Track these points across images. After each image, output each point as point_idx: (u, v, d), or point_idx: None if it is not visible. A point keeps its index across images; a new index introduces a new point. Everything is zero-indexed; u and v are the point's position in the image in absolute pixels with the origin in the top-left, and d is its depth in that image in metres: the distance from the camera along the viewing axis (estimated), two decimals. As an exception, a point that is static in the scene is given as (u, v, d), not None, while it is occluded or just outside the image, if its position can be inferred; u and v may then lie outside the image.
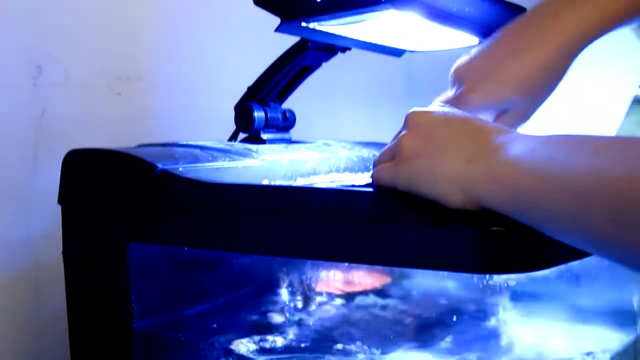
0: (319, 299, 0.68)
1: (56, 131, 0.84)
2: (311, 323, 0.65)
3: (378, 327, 0.64)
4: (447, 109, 0.47)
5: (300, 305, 0.68)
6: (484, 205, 0.40)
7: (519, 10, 0.73)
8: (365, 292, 0.68)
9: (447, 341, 0.60)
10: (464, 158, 0.41)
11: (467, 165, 0.41)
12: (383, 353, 0.59)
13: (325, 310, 0.67)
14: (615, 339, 0.63)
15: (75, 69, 0.87)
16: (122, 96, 0.92)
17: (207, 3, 1.02)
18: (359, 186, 0.57)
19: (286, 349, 0.61)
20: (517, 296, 0.65)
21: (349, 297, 0.68)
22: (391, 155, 0.47)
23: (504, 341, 0.61)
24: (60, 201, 0.65)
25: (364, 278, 0.70)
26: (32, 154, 0.83)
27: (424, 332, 0.63)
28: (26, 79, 0.83)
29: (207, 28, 1.02)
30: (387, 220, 0.45)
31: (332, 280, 0.69)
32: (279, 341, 0.62)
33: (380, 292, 0.68)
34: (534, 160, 0.38)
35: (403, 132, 0.46)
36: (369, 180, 0.51)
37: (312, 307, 0.68)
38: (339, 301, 0.68)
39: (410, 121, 0.46)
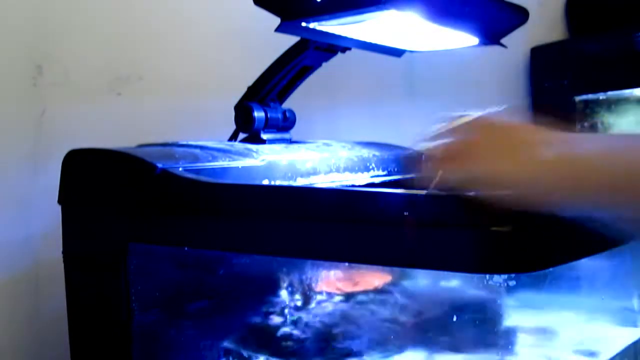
0: (319, 298, 0.68)
1: (56, 131, 0.84)
2: (311, 323, 0.65)
3: (378, 327, 0.64)
4: (510, 118, 0.50)
5: (300, 305, 0.68)
6: (535, 205, 0.43)
7: (519, 10, 0.73)
8: (365, 292, 0.68)
9: (447, 341, 0.60)
10: (518, 161, 0.45)
11: (519, 167, 0.44)
12: (384, 353, 0.59)
13: (326, 310, 0.67)
14: (617, 338, 0.63)
15: (75, 69, 0.87)
16: (122, 96, 0.91)
17: (208, 3, 1.02)
18: (359, 186, 0.57)
19: (286, 349, 0.61)
20: (518, 296, 0.65)
21: (349, 296, 0.68)
22: (449, 151, 0.49)
23: (505, 341, 0.61)
24: (60, 201, 0.65)
25: (364, 277, 0.70)
26: (32, 154, 0.83)
27: (425, 332, 0.63)
28: (26, 79, 0.83)
29: (208, 28, 1.02)
30: (387, 220, 0.45)
31: (332, 280, 0.69)
32: (279, 341, 0.62)
33: (381, 292, 0.68)
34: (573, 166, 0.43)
35: (466, 135, 0.49)
36: (369, 180, 0.51)
37: (312, 307, 0.68)
38: (338, 299, 0.68)
39: (475, 126, 0.49)
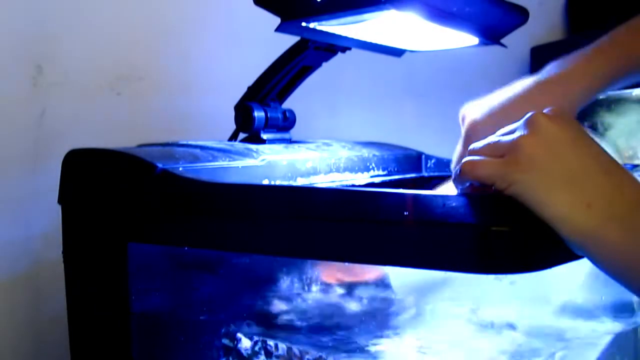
0: (318, 296, 0.68)
1: (56, 131, 0.84)
2: (311, 321, 0.65)
3: (374, 317, 0.64)
4: (575, 123, 0.45)
5: (300, 304, 0.69)
6: (596, 247, 0.41)
7: (519, 10, 0.73)
8: (364, 282, 0.68)
9: (445, 334, 0.60)
10: (584, 200, 0.41)
11: (585, 209, 0.41)
12: (379, 344, 0.59)
13: (325, 304, 0.67)
14: (614, 332, 0.63)
15: (75, 69, 0.87)
16: (122, 96, 0.92)
17: (208, 3, 1.02)
18: (359, 186, 0.57)
19: (286, 348, 0.61)
20: (516, 293, 0.65)
21: (348, 288, 0.68)
22: (496, 151, 0.44)
23: (502, 335, 0.61)
24: (60, 201, 0.65)
25: (362, 269, 0.70)
26: (32, 154, 0.83)
27: (422, 325, 0.63)
28: (26, 79, 0.83)
29: (207, 28, 1.02)
30: (387, 220, 0.45)
31: (331, 272, 0.69)
32: (278, 338, 0.62)
33: (378, 283, 0.68)
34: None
35: (523, 133, 0.43)
36: (369, 180, 0.51)
37: (311, 304, 0.68)
38: (339, 291, 0.68)
39: (535, 124, 0.43)
